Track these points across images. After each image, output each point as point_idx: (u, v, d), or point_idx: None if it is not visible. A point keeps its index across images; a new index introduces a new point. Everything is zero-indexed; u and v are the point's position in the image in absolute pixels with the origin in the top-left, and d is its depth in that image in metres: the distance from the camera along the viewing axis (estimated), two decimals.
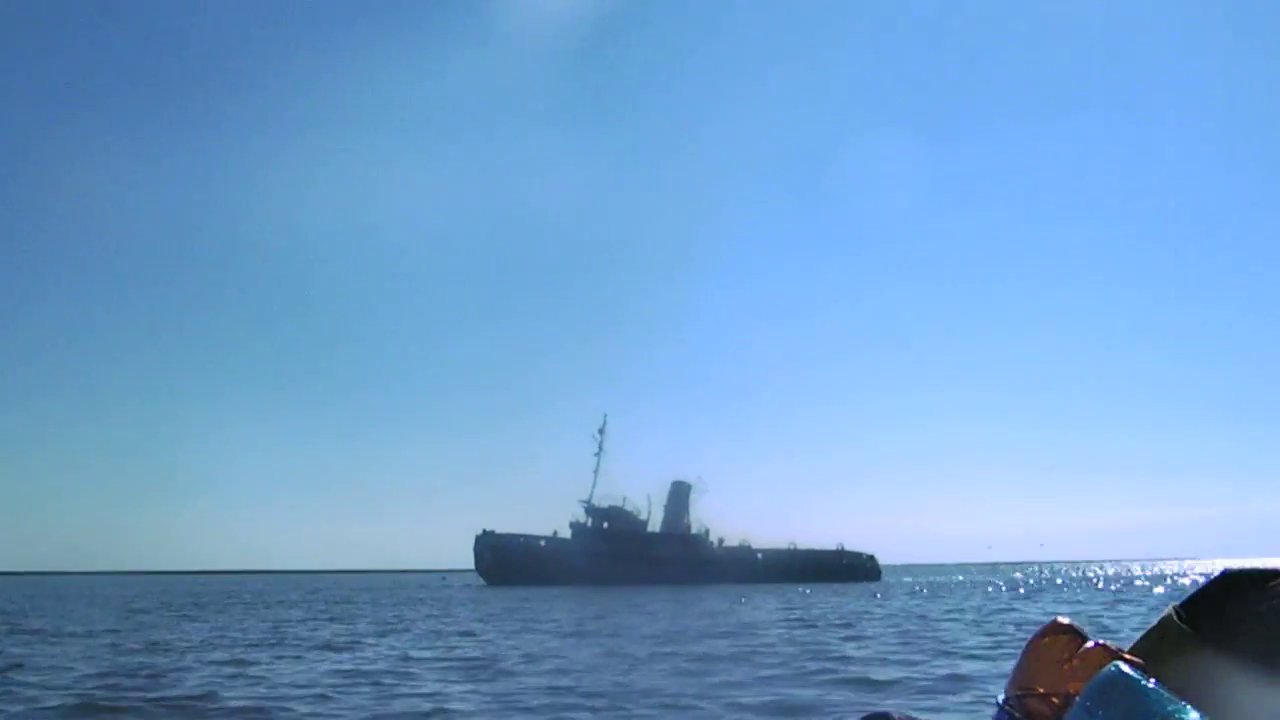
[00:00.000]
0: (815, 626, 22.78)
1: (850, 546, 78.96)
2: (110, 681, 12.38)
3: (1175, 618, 1.42)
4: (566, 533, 78.11)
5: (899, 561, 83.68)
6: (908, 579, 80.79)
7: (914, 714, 1.13)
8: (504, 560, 75.64)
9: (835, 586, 64.76)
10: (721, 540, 78.23)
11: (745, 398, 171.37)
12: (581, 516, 78.45)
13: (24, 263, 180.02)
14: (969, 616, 26.01)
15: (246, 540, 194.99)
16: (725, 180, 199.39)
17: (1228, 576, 1.44)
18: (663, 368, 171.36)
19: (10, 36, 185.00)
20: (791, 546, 77.91)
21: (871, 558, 78.77)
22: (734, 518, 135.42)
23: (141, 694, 11.21)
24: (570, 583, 70.50)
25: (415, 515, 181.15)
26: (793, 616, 27.54)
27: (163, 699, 10.85)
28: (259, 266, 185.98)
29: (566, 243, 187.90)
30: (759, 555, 77.68)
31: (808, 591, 52.71)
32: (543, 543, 77.14)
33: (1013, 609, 29.85)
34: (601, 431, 79.33)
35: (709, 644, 17.48)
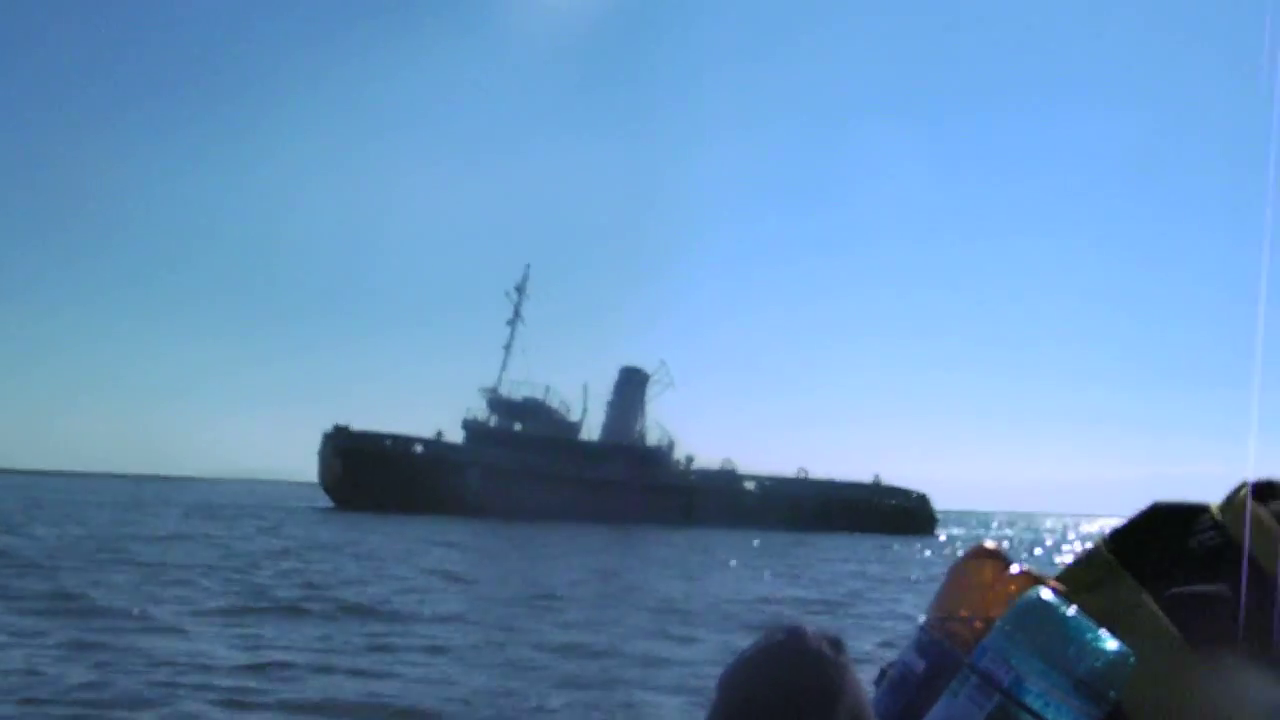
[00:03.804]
0: None
1: (890, 481, 52.00)
2: None
3: (1103, 548, 1.40)
4: (457, 434, 51.18)
5: (941, 506, 55.82)
6: (979, 531, 54.07)
7: (832, 631, 1.09)
8: (360, 472, 48.80)
9: (877, 539, 38.78)
10: (691, 459, 51.33)
11: (735, 279, 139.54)
12: (482, 412, 51.49)
13: None
14: None
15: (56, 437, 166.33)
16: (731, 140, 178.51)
17: (1156, 510, 1.42)
18: (613, 218, 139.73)
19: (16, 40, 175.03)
20: (801, 474, 50.86)
21: (923, 498, 51.97)
22: (711, 431, 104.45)
23: None
24: (458, 510, 45.03)
25: (256, 408, 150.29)
26: None
27: None
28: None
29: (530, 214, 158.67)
30: (749, 485, 50.75)
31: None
32: (419, 447, 50.31)
33: None
34: (520, 289, 52.44)
35: None
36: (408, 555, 20.22)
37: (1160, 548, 1.38)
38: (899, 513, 50.39)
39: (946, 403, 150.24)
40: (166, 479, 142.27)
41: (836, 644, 1.05)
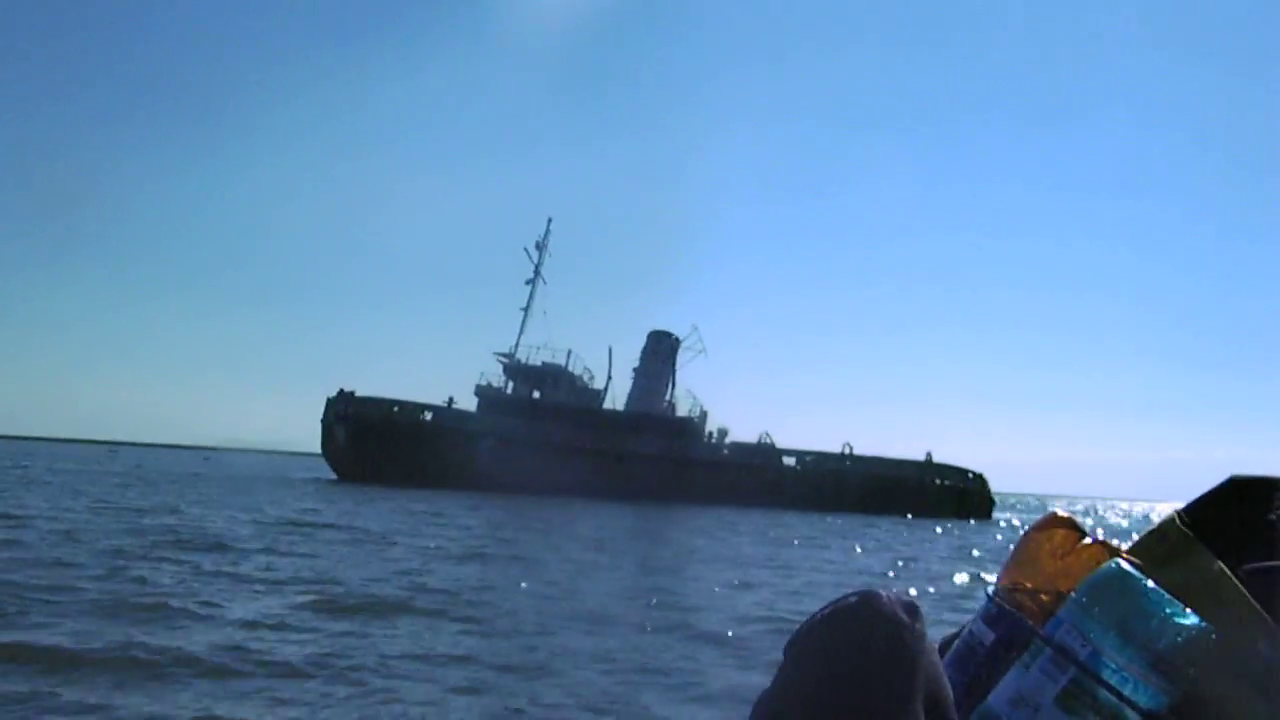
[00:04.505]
0: None
1: (943, 459, 47.61)
2: None
3: (1178, 521, 1.37)
4: (470, 402, 47.14)
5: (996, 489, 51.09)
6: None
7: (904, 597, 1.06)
8: (365, 440, 44.91)
9: (930, 523, 34.58)
10: (725, 432, 47.04)
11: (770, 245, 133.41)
12: (497, 378, 47.39)
13: None
14: None
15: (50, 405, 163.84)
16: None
17: (1235, 483, 1.41)
18: (636, 194, 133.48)
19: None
20: (846, 450, 46.51)
21: (980, 478, 47.52)
22: (747, 404, 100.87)
23: None
24: (469, 484, 41.14)
25: (268, 379, 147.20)
26: None
27: None
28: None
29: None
30: (789, 461, 46.49)
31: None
32: (428, 415, 46.26)
33: None
34: (540, 246, 48.17)
35: None
36: (388, 549, 16.07)
37: (1238, 521, 1.33)
38: (953, 494, 46.01)
39: (1001, 386, 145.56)
40: (178, 447, 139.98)
41: (912, 609, 1.01)
